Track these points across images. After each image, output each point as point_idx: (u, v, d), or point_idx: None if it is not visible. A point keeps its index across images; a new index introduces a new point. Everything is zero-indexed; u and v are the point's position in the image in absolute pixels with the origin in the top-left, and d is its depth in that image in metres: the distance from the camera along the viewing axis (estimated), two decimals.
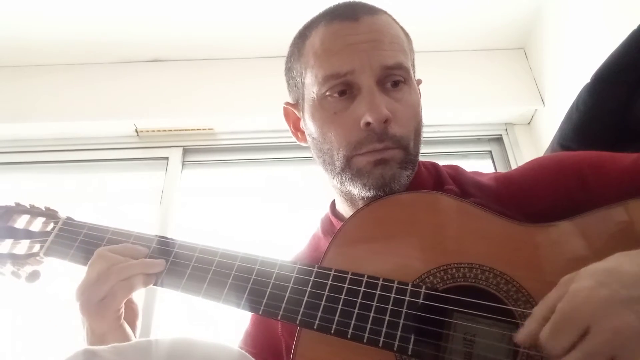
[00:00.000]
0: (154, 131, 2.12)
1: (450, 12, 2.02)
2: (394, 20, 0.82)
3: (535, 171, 0.78)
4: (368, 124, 0.72)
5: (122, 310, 0.75)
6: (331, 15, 0.79)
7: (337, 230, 0.74)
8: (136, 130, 2.11)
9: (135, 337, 0.78)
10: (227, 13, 1.99)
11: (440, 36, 2.10)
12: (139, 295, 0.80)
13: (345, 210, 0.84)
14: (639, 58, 0.95)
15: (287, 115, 0.89)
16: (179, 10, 1.96)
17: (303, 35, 0.82)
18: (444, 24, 2.07)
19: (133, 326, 0.79)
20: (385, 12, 0.81)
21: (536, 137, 2.08)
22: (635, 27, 0.96)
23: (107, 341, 0.72)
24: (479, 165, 2.08)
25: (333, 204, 0.89)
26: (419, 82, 0.85)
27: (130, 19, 2.00)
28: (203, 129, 2.12)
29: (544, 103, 2.03)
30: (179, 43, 2.11)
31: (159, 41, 2.10)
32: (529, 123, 2.14)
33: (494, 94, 2.08)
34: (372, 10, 0.79)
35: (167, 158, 2.09)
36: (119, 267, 0.73)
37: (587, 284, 0.51)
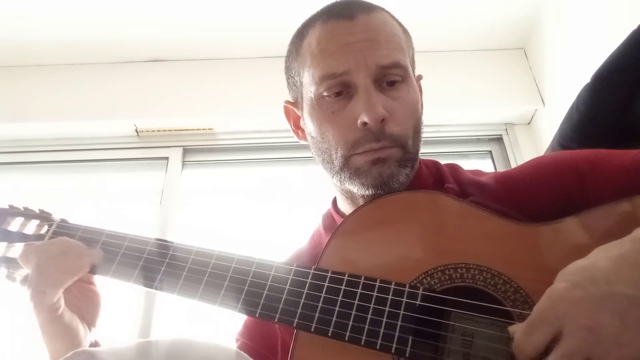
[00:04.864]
0: (154, 131, 2.12)
1: (450, 12, 2.02)
2: (391, 17, 0.81)
3: (533, 170, 0.78)
4: (365, 123, 0.72)
5: (59, 304, 0.74)
6: (328, 14, 0.79)
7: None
8: (136, 130, 2.11)
9: (85, 329, 0.77)
10: (227, 13, 1.99)
11: (440, 36, 2.10)
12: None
13: (346, 208, 0.84)
14: (639, 58, 0.95)
15: (288, 113, 0.89)
16: (179, 10, 1.96)
17: (300, 34, 0.82)
18: (444, 24, 2.07)
19: (92, 316, 0.79)
20: (382, 9, 0.80)
21: (536, 137, 2.08)
22: (635, 27, 0.96)
23: (44, 334, 0.73)
24: (479, 166, 2.07)
25: (335, 200, 0.89)
26: (419, 78, 0.85)
27: (130, 19, 2.00)
28: (203, 129, 2.12)
29: (544, 103, 2.03)
30: (179, 43, 2.10)
31: (159, 41, 2.10)
32: (529, 123, 2.14)
33: (494, 94, 2.08)
34: (369, 8, 0.78)
35: (167, 158, 2.09)
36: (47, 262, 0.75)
37: (562, 284, 0.52)
